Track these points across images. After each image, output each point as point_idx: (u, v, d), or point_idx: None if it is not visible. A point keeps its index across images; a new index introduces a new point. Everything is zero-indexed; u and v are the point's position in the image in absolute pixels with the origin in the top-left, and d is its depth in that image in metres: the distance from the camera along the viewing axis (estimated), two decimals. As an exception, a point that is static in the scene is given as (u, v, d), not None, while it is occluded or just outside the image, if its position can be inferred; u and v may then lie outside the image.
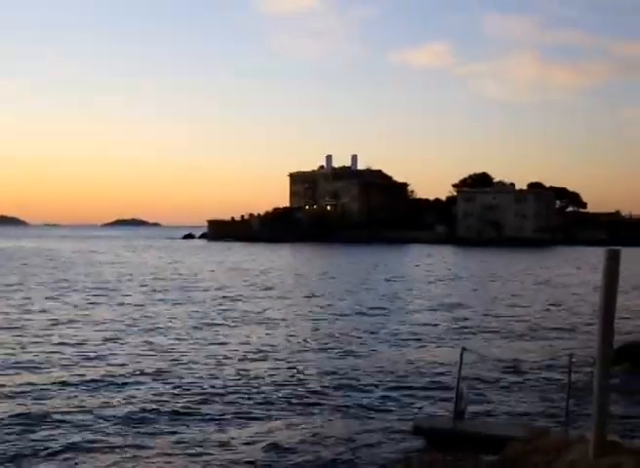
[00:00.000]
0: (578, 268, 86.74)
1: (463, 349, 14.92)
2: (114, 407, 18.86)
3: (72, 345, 28.11)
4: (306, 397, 20.38)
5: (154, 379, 22.28)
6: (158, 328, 33.38)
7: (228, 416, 18.13)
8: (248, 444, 15.93)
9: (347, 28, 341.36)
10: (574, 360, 14.41)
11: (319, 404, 19.62)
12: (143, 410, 18.49)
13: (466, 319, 38.34)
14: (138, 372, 23.21)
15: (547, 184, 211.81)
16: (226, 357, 26.21)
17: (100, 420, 17.52)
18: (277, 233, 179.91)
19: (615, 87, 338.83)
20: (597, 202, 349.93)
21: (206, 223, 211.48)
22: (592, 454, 8.53)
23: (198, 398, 19.89)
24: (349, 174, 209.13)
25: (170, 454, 15.23)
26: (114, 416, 17.86)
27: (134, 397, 19.93)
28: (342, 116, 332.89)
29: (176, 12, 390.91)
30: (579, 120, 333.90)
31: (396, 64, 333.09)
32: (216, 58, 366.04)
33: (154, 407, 18.86)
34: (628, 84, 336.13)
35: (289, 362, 25.57)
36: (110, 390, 20.77)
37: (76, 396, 19.93)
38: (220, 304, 43.47)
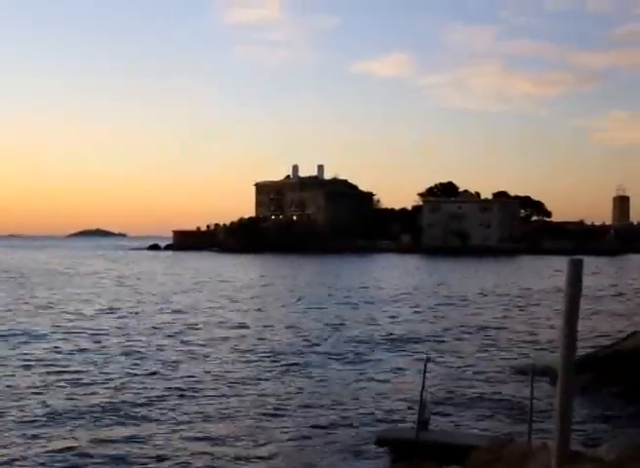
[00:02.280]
0: (540, 277, 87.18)
1: (427, 359, 14.90)
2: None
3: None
4: (270, 413, 20.23)
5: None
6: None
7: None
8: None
9: (310, 38, 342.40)
10: (536, 369, 14.41)
11: (282, 418, 19.50)
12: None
13: (430, 329, 38.34)
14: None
15: (512, 193, 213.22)
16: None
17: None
18: (243, 243, 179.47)
19: (576, 96, 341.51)
20: (561, 211, 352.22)
21: (171, 234, 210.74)
22: (555, 464, 8.48)
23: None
24: (316, 183, 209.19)
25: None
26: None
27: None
28: (309, 126, 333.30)
29: (130, 22, 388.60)
30: (542, 129, 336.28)
31: (359, 74, 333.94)
32: (177, 68, 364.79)
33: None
34: (590, 93, 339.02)
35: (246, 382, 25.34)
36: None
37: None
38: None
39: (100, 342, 32.07)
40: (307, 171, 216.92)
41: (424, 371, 14.14)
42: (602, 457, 9.84)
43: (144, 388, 22.59)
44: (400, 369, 26.50)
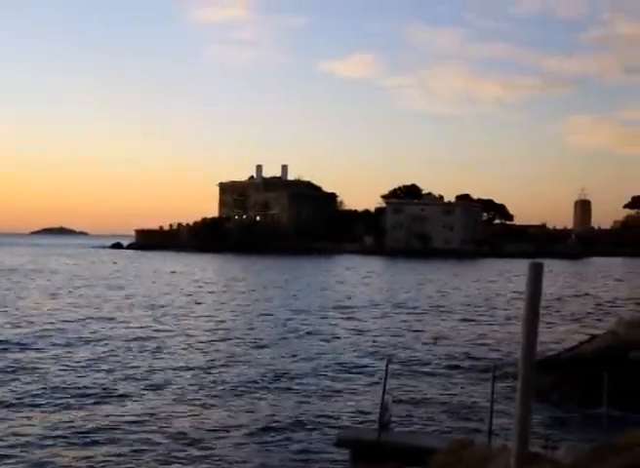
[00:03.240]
0: (506, 280, 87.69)
1: (388, 361, 14.95)
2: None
3: None
4: (228, 414, 20.22)
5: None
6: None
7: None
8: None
9: (276, 38, 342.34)
10: (497, 372, 14.50)
11: (241, 419, 19.51)
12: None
13: (391, 331, 38.46)
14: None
15: (475, 197, 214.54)
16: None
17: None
18: (206, 243, 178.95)
19: (541, 100, 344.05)
20: (524, 214, 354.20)
21: (134, 233, 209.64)
22: (514, 465, 8.56)
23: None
24: (280, 184, 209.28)
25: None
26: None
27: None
28: (273, 126, 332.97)
29: (97, 22, 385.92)
30: (505, 133, 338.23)
31: (324, 75, 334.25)
32: (142, 66, 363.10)
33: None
34: (554, 98, 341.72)
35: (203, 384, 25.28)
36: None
37: None
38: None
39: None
40: (271, 171, 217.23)
41: (386, 373, 14.18)
42: (560, 460, 9.94)
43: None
44: (361, 371, 26.54)
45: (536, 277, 8.58)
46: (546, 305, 51.28)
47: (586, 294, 66.15)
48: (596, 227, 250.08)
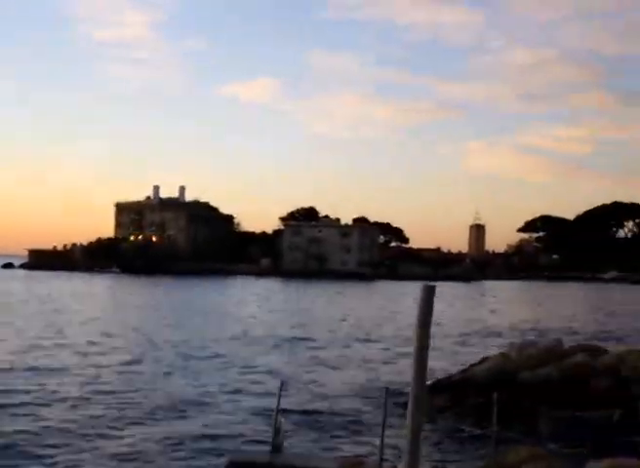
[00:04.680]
0: (399, 302, 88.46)
1: (282, 382, 14.95)
2: None
3: None
4: (114, 435, 19.94)
5: None
6: None
7: None
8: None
9: (176, 59, 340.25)
10: (390, 393, 14.62)
11: (130, 441, 19.26)
12: None
13: (286, 350, 38.47)
14: None
15: (372, 220, 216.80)
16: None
17: None
18: (101, 264, 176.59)
19: (437, 126, 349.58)
20: (420, 238, 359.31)
21: (26, 252, 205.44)
22: (403, 486, 8.63)
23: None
24: (177, 205, 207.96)
25: None
26: None
27: None
28: (171, 146, 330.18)
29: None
30: (402, 157, 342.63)
31: (224, 97, 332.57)
32: (35, 83, 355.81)
33: None
34: (449, 123, 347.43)
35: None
36: None
37: None
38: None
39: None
40: (168, 192, 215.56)
41: (279, 396, 14.18)
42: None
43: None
44: (254, 394, 26.43)
45: (427, 299, 8.71)
46: (439, 327, 51.96)
47: (477, 318, 67.17)
48: (490, 251, 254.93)
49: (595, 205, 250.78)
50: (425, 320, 8.58)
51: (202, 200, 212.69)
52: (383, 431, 13.16)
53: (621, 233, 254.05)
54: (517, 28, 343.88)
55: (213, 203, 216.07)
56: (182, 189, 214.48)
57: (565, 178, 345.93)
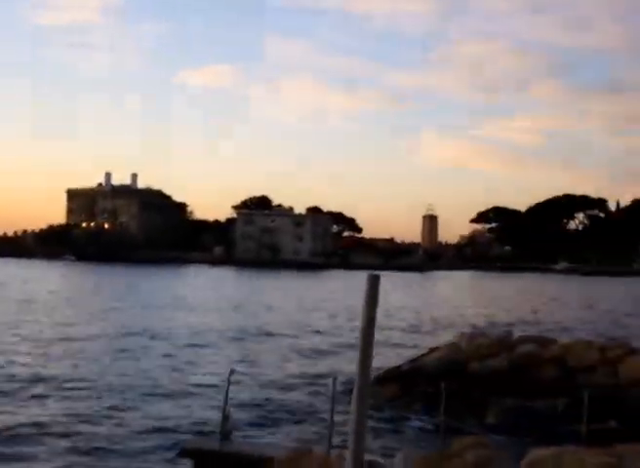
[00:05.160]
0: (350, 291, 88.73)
1: (231, 370, 14.99)
2: None
3: None
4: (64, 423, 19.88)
5: None
6: None
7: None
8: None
9: (131, 44, 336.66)
10: (338, 382, 14.73)
11: (81, 430, 19.22)
12: None
13: (236, 340, 38.45)
14: None
15: (326, 209, 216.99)
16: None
17: None
18: (53, 251, 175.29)
19: (391, 115, 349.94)
20: (373, 228, 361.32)
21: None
22: (349, 473, 8.72)
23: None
24: (129, 192, 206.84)
25: None
26: None
27: None
28: (124, 133, 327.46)
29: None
30: (357, 146, 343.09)
31: (179, 83, 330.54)
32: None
33: None
34: (403, 112, 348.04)
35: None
36: None
37: None
38: None
39: None
40: (121, 179, 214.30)
41: (228, 384, 14.23)
42: (394, 467, 10.21)
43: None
44: (204, 381, 26.45)
45: (373, 289, 8.79)
46: (389, 317, 52.28)
47: (428, 308, 67.62)
48: (443, 242, 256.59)
49: (547, 196, 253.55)
50: (370, 309, 8.64)
51: (154, 187, 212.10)
52: (332, 419, 13.27)
53: (572, 225, 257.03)
54: (470, 19, 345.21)
55: (165, 191, 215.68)
56: (135, 176, 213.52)
57: (517, 170, 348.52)
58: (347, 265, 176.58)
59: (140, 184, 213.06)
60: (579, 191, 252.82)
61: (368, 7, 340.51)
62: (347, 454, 9.10)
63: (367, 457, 10.41)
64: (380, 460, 11.99)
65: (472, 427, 19.16)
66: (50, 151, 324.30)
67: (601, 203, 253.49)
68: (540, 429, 19.40)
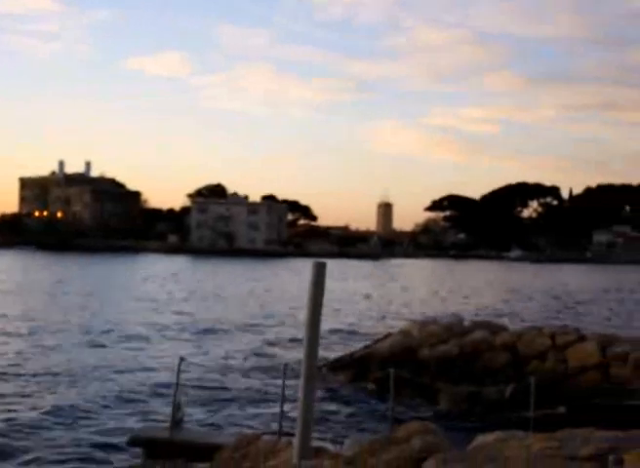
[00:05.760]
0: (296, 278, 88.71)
1: (181, 359, 15.00)
2: None
3: None
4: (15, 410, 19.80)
5: None
6: None
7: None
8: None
9: (83, 32, 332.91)
10: (288, 369, 14.80)
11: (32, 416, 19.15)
12: None
13: (187, 330, 38.36)
14: None
15: (281, 197, 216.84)
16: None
17: None
18: (5, 239, 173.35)
19: (348, 104, 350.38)
20: (328, 216, 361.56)
21: None
22: (296, 460, 8.83)
23: None
24: (82, 180, 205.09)
25: None
26: None
27: None
28: (77, 121, 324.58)
29: None
30: (312, 135, 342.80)
31: (133, 71, 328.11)
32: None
33: None
34: (361, 102, 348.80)
35: None
36: None
37: None
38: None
39: None
40: (74, 167, 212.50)
41: (178, 372, 14.23)
42: (342, 453, 10.30)
43: None
44: (154, 369, 26.41)
45: (318, 276, 8.88)
46: (342, 304, 52.50)
47: (381, 294, 67.97)
48: (398, 229, 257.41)
49: (501, 185, 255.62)
50: (316, 296, 8.76)
51: (108, 176, 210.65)
52: (282, 406, 13.35)
53: (526, 213, 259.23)
54: (428, 9, 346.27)
55: (119, 179, 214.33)
56: (88, 165, 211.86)
57: (472, 158, 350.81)
58: (303, 253, 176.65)
59: (94, 173, 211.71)
60: (532, 179, 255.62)
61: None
62: (295, 441, 9.22)
63: (316, 443, 10.53)
64: (329, 446, 12.10)
65: (422, 413, 19.39)
66: (2, 140, 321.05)
67: (554, 191, 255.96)
68: (489, 415, 19.64)
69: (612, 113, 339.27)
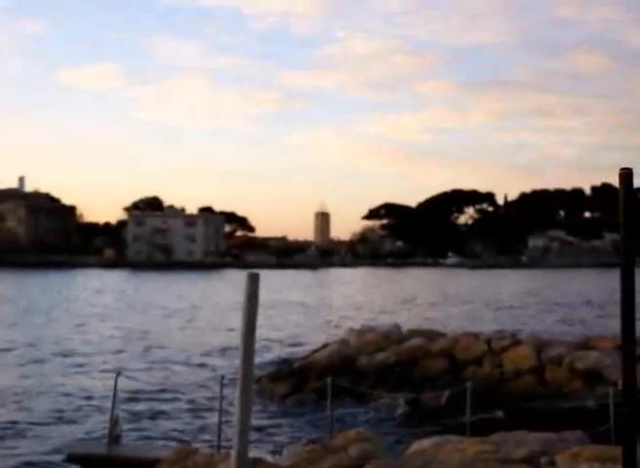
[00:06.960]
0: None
1: (118, 373, 14.95)
2: None
3: None
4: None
5: None
6: None
7: None
8: None
9: (12, 43, 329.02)
10: (225, 381, 14.82)
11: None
12: None
13: (121, 342, 38.13)
14: None
15: (218, 209, 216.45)
16: None
17: None
18: None
19: (283, 114, 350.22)
20: (266, 227, 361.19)
21: None
22: (233, 471, 8.83)
23: None
24: (16, 195, 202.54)
25: None
26: None
27: None
28: (8, 136, 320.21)
29: None
30: (248, 146, 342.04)
31: (63, 83, 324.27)
32: None
33: None
34: (296, 112, 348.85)
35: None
36: None
37: None
38: None
39: None
40: (7, 182, 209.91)
41: (115, 387, 14.18)
42: (280, 463, 10.34)
43: None
44: (91, 385, 26.20)
45: (252, 288, 8.90)
46: (278, 314, 52.56)
47: (318, 304, 68.08)
48: (336, 239, 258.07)
49: (438, 192, 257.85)
50: (251, 307, 8.76)
51: (42, 191, 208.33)
52: (220, 418, 13.36)
53: (462, 219, 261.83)
54: (361, 19, 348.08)
55: (54, 194, 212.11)
56: (22, 180, 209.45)
57: (409, 166, 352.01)
58: (241, 265, 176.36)
59: (28, 188, 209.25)
60: (469, 186, 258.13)
61: (259, 7, 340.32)
62: (232, 452, 9.24)
63: (254, 454, 10.56)
64: (267, 457, 12.13)
65: (360, 421, 19.50)
66: None
67: (489, 197, 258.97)
68: (427, 421, 19.79)
69: (545, 119, 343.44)
